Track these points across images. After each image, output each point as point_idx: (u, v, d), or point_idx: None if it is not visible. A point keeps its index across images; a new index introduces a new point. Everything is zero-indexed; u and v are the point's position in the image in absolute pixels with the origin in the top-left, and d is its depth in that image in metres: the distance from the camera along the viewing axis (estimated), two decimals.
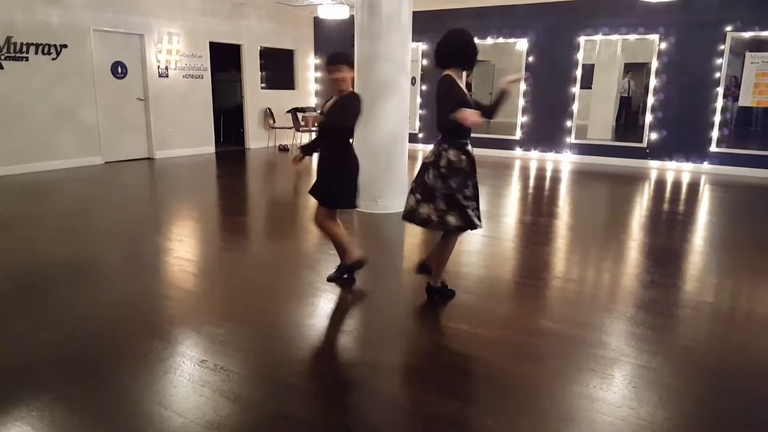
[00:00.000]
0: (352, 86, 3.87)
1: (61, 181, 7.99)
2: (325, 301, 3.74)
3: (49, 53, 8.49)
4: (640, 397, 2.59)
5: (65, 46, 8.66)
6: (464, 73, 3.72)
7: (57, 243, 5.07)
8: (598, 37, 10.34)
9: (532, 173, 9.60)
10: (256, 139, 12.27)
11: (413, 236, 5.67)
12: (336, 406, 2.60)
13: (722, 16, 9.03)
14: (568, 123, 10.71)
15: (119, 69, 9.58)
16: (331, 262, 4.48)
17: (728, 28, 9.03)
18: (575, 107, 10.61)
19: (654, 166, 9.98)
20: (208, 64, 11.00)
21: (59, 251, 4.80)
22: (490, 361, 2.98)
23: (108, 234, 5.44)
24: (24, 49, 8.19)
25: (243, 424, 2.41)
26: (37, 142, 8.49)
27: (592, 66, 11.37)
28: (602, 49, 11.31)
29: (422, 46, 11.73)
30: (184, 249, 4.92)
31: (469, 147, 3.47)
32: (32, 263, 4.48)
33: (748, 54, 9.08)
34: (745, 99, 9.19)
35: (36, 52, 8.34)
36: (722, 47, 9.11)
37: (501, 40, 11.20)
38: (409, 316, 3.72)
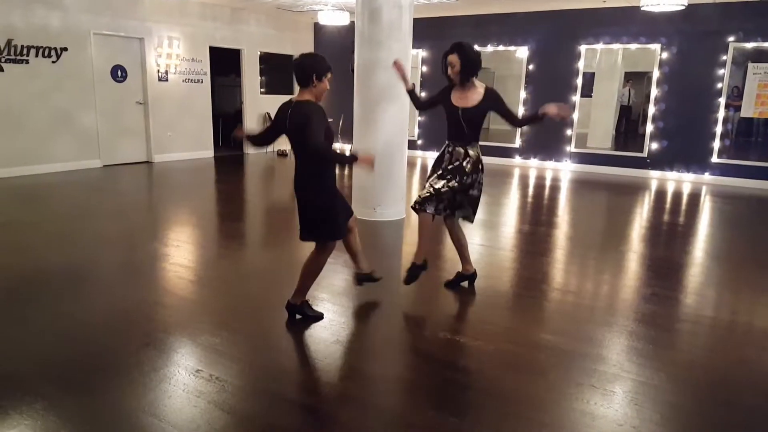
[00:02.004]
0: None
1: (59, 185, 7.95)
2: (322, 311, 3.69)
3: (49, 56, 8.47)
4: (643, 414, 2.55)
5: (65, 49, 8.64)
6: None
7: (52, 248, 5.03)
8: (599, 46, 10.34)
9: (532, 182, 9.58)
10: None
11: (412, 245, 5.63)
12: (332, 420, 2.56)
13: (725, 27, 9.02)
14: (568, 131, 10.69)
15: (119, 72, 9.55)
16: (330, 271, 4.44)
17: (731, 39, 9.02)
18: (575, 116, 10.60)
19: (654, 176, 9.96)
20: (207, 69, 10.99)
21: (54, 256, 4.76)
22: (488, 375, 2.94)
23: (104, 239, 5.40)
24: (24, 51, 8.17)
25: None
26: (36, 144, 8.46)
27: (593, 74, 11.37)
28: (603, 58, 11.32)
29: (422, 53, 11.72)
30: (180, 255, 4.87)
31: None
32: (26, 268, 4.43)
33: (750, 65, 9.07)
34: (747, 110, 9.18)
35: (36, 55, 8.32)
36: (724, 58, 9.10)
37: (501, 47, 11.20)
38: (407, 327, 3.68)
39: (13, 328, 3.34)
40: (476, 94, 3.80)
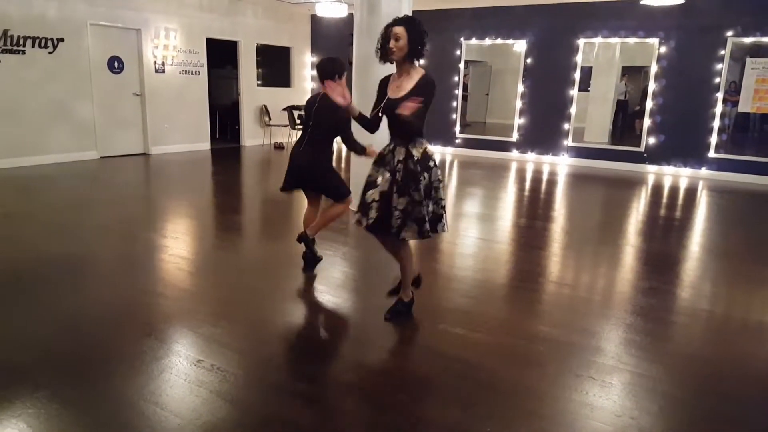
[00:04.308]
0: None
1: (56, 176, 7.92)
2: (321, 302, 3.71)
3: (45, 47, 8.42)
4: (641, 406, 2.58)
5: (62, 39, 8.58)
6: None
7: (50, 239, 5.02)
8: (597, 40, 10.34)
9: (529, 176, 9.59)
10: (251, 136, 12.22)
11: None
12: (333, 410, 2.58)
13: (723, 21, 9.04)
14: (566, 126, 10.71)
15: (116, 64, 9.50)
16: (329, 263, 4.45)
17: (729, 33, 9.04)
18: (573, 110, 10.61)
19: (651, 170, 10.00)
20: (204, 61, 10.94)
21: (53, 248, 4.75)
22: (487, 367, 2.96)
23: (102, 230, 5.39)
24: (21, 42, 8.11)
25: (240, 428, 2.38)
26: (32, 135, 8.42)
27: (590, 68, 11.37)
28: (600, 52, 11.33)
29: None
30: (179, 246, 4.87)
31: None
32: (25, 260, 4.43)
33: (748, 59, 9.09)
34: (745, 105, 9.21)
35: (33, 46, 8.27)
36: (722, 52, 9.12)
37: (499, 41, 11.19)
38: (406, 318, 3.69)
39: (13, 319, 3.34)
40: (411, 81, 3.14)
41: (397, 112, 2.95)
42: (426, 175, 3.20)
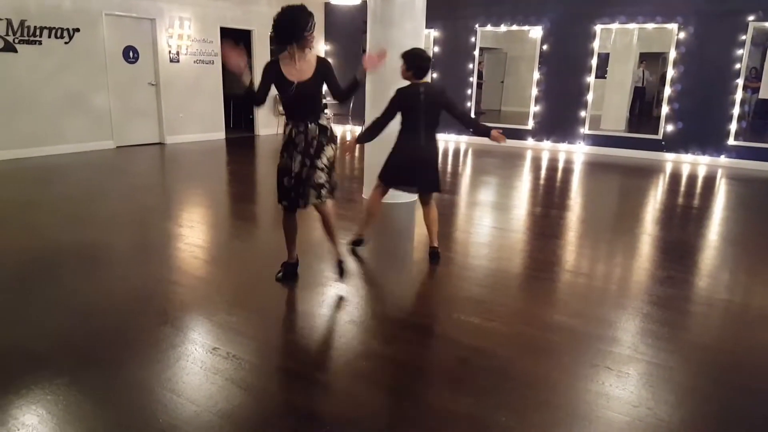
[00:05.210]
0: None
1: (72, 166, 8.01)
2: (335, 291, 3.72)
3: (61, 37, 8.48)
4: (658, 396, 2.55)
5: (78, 29, 8.64)
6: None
7: (67, 228, 5.08)
8: (615, 26, 10.15)
9: (544, 164, 9.50)
10: (265, 125, 12.24)
11: (423, 225, 5.62)
12: (347, 398, 2.58)
13: (744, 5, 8.81)
14: (582, 113, 10.56)
15: (131, 53, 9.55)
16: (342, 250, 4.45)
17: (750, 18, 8.82)
18: (589, 97, 10.46)
19: (669, 158, 9.84)
20: (218, 50, 10.94)
21: (69, 236, 4.81)
22: (502, 356, 2.95)
23: (119, 219, 5.44)
24: (37, 32, 8.18)
25: (255, 415, 2.40)
26: (49, 125, 8.51)
27: (607, 55, 11.19)
28: (618, 38, 11.14)
29: (434, 33, 11.60)
30: (195, 235, 4.91)
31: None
32: (43, 248, 4.49)
33: None
34: (766, 91, 9.03)
35: (49, 36, 8.34)
36: (743, 37, 8.91)
37: (515, 27, 11.04)
38: (420, 307, 3.69)
39: (32, 307, 3.39)
40: (310, 64, 3.54)
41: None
42: (333, 145, 3.59)
